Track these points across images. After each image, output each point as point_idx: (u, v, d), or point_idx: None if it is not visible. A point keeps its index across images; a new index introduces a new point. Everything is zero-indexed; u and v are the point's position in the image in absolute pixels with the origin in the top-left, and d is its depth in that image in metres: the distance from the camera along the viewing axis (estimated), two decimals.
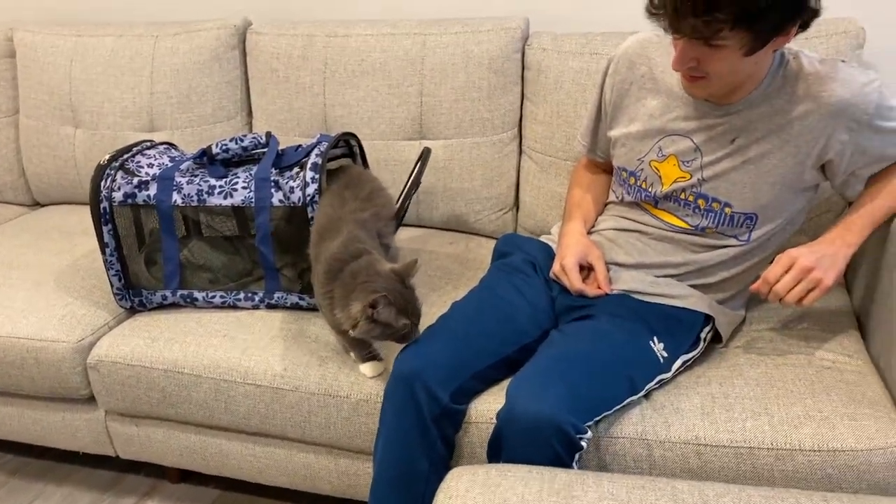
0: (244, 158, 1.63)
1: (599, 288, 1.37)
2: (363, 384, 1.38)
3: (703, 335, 1.36)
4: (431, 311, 1.49)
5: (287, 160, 1.56)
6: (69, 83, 2.06)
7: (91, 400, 1.60)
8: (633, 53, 1.40)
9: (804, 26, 1.19)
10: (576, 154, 1.69)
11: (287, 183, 1.49)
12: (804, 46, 1.34)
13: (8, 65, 2.15)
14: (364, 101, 1.85)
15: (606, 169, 1.55)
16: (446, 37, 1.79)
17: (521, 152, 1.83)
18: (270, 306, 1.58)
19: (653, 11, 1.15)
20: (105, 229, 1.52)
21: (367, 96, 1.85)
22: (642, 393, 1.26)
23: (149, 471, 1.82)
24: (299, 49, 1.89)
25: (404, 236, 1.87)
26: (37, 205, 2.27)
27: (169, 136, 1.99)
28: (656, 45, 1.38)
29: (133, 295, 1.59)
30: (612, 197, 1.49)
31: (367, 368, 1.38)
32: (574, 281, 1.36)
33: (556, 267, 1.40)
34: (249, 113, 2.03)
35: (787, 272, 1.24)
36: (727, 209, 1.32)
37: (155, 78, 1.99)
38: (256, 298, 1.57)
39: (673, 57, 1.20)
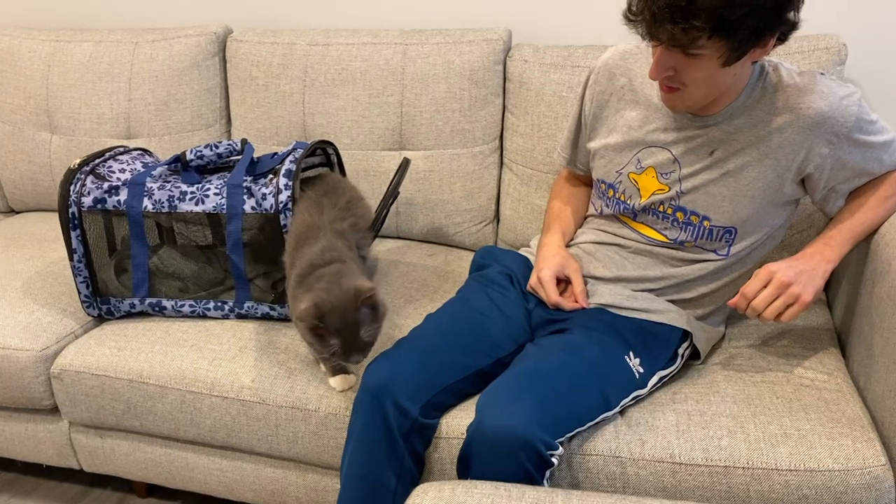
0: (219, 166, 1.60)
1: (576, 302, 1.34)
2: (332, 398, 1.34)
3: (680, 351, 1.34)
4: (407, 324, 1.47)
5: (262, 167, 1.53)
6: (46, 88, 2.03)
7: (55, 411, 1.56)
8: (614, 65, 1.38)
9: (782, 39, 1.17)
10: (556, 167, 1.68)
11: (260, 190, 1.46)
12: (786, 61, 1.32)
13: None
14: (344, 110, 1.83)
15: (587, 182, 1.53)
16: (427, 47, 1.77)
17: (501, 164, 1.81)
18: (241, 316, 1.54)
19: (630, 18, 1.13)
20: (73, 234, 1.49)
21: (346, 105, 1.83)
22: (617, 409, 1.22)
23: (116, 485, 1.77)
24: (280, 57, 1.87)
25: (383, 248, 1.84)
26: (11, 212, 2.23)
27: (146, 143, 1.97)
28: (637, 57, 1.36)
29: (101, 303, 1.55)
30: (591, 210, 1.47)
31: (336, 381, 1.35)
32: (550, 294, 1.33)
33: (532, 280, 1.38)
34: (228, 121, 2.00)
35: (765, 287, 1.21)
36: (706, 223, 1.29)
37: (133, 84, 1.97)
38: (226, 308, 1.53)
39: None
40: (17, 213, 2.22)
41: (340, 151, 1.69)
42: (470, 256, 1.65)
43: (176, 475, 1.53)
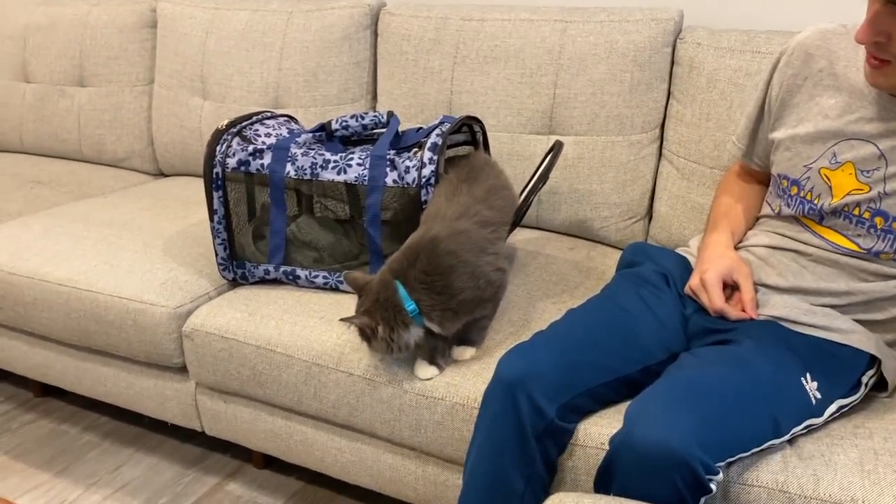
0: (363, 138, 1.55)
1: (744, 311, 1.18)
2: (460, 387, 1.25)
3: (864, 379, 1.15)
4: (543, 318, 1.36)
5: (406, 141, 1.47)
6: (202, 55, 2.06)
7: (183, 370, 1.56)
8: (812, 45, 1.20)
9: None
10: (725, 162, 1.51)
11: (403, 163, 1.39)
12: None
13: (149, 34, 2.20)
14: (493, 89, 1.74)
15: (761, 180, 1.36)
16: (589, 25, 1.65)
17: (660, 156, 1.66)
18: None
19: None
20: (216, 195, 1.48)
21: (496, 84, 1.73)
22: (787, 437, 1.06)
23: (235, 452, 1.77)
24: (431, 32, 1.81)
25: (521, 238, 1.73)
26: (161, 175, 2.30)
27: (292, 114, 1.95)
28: (840, 37, 1.18)
29: (236, 267, 1.54)
30: (766, 210, 1.29)
31: (418, 366, 1.28)
32: (715, 298, 1.18)
33: (693, 281, 1.23)
34: (374, 97, 1.96)
35: None
36: None
37: (284, 54, 1.96)
38: None
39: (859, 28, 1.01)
40: (167, 176, 2.28)
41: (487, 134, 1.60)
42: (616, 254, 1.52)
43: (294, 449, 1.49)
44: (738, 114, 1.49)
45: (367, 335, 1.21)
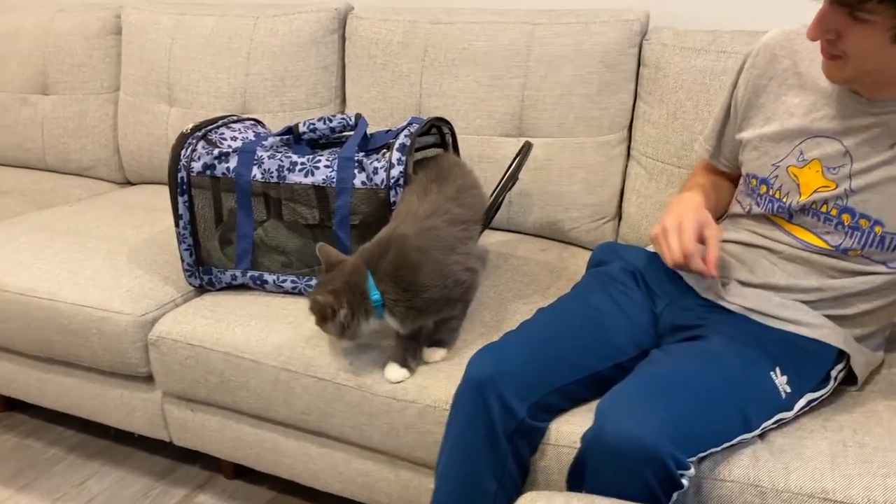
0: (331, 140, 1.54)
1: (707, 266, 1.09)
2: (431, 388, 1.24)
3: (833, 373, 1.16)
4: (515, 318, 1.35)
5: (374, 143, 1.45)
6: (168, 61, 2.04)
7: (149, 379, 1.52)
8: (776, 45, 1.21)
9: None
10: (692, 162, 1.52)
11: (371, 164, 1.38)
12: None
13: (114, 41, 2.16)
14: (462, 92, 1.73)
15: (728, 177, 1.36)
16: (557, 27, 1.65)
17: (629, 157, 1.66)
18: None
19: None
20: (181, 200, 1.45)
21: (465, 87, 1.73)
22: (757, 431, 1.06)
23: (205, 463, 1.74)
24: (400, 35, 1.80)
25: (493, 240, 1.73)
26: (128, 183, 2.26)
27: (260, 118, 1.93)
28: (803, 38, 1.18)
29: (203, 272, 1.51)
30: (736, 208, 1.29)
31: (389, 369, 1.27)
32: (674, 242, 1.08)
33: (655, 228, 1.14)
34: (343, 100, 1.95)
35: None
36: (877, 228, 1.11)
37: (252, 59, 1.95)
38: None
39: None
40: (133, 184, 2.24)
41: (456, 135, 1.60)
42: (586, 255, 1.52)
43: (264, 457, 1.46)
44: (704, 113, 1.50)
45: (325, 314, 1.18)
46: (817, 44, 1.06)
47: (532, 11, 1.71)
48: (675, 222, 1.11)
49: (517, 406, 1.08)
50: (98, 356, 1.52)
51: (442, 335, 1.30)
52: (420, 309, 1.21)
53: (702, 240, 1.12)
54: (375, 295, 1.18)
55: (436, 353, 1.29)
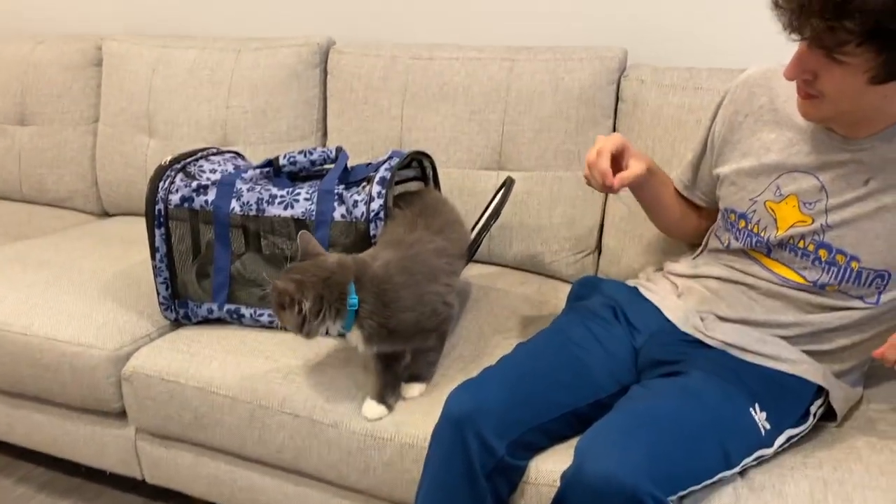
0: (312, 173, 1.53)
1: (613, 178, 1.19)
2: (409, 426, 1.22)
3: (813, 409, 1.15)
4: (494, 353, 1.34)
5: (355, 175, 1.45)
6: (149, 92, 2.03)
7: (122, 415, 1.49)
8: (754, 83, 1.23)
9: None
10: None
11: (352, 197, 1.37)
12: None
13: (94, 73, 2.16)
14: (442, 126, 1.74)
15: (698, 210, 1.37)
16: (535, 63, 1.67)
17: None
18: None
19: (779, 3, 0.99)
20: (157, 232, 1.44)
21: (445, 121, 1.74)
22: (737, 469, 1.05)
23: (178, 501, 1.69)
24: (381, 70, 1.81)
25: (474, 273, 1.72)
26: (105, 214, 2.23)
27: (241, 151, 1.93)
28: (780, 76, 1.20)
29: (179, 306, 1.49)
30: (715, 244, 1.29)
31: (366, 406, 1.24)
32: (600, 158, 1.19)
33: (590, 153, 1.21)
34: (324, 133, 1.95)
35: None
36: (854, 264, 1.11)
37: (233, 91, 1.95)
38: None
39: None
40: (111, 216, 2.22)
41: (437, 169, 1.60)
42: (566, 288, 1.51)
43: (238, 495, 1.43)
44: (681, 148, 1.52)
45: (291, 301, 1.12)
46: (794, 82, 1.08)
47: (511, 48, 1.72)
48: (593, 149, 1.21)
49: (496, 444, 1.07)
50: (70, 391, 1.49)
51: (420, 369, 1.29)
52: (391, 330, 1.18)
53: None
54: (354, 299, 1.15)
55: (414, 389, 1.27)
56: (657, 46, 1.70)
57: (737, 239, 1.23)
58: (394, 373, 1.26)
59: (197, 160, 1.51)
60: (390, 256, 1.22)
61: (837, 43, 0.95)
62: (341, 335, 1.20)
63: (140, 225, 1.98)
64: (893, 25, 0.92)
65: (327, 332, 1.17)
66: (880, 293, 1.12)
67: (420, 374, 1.29)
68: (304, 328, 1.14)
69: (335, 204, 1.38)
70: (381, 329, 1.18)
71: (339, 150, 1.50)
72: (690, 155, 1.35)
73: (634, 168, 1.22)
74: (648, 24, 1.69)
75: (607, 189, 1.20)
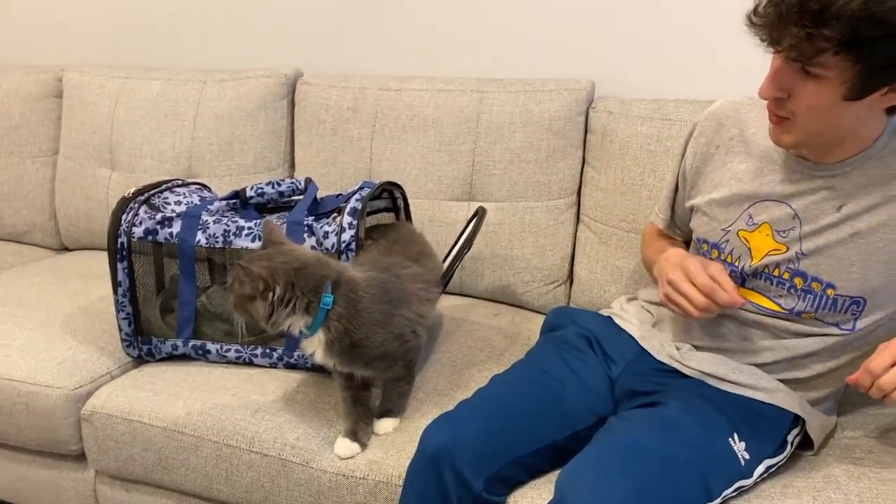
0: (280, 205, 1.51)
1: (731, 295, 1.09)
2: (383, 463, 1.18)
3: (790, 438, 1.15)
4: (469, 385, 1.32)
5: (324, 207, 1.43)
6: (111, 124, 1.99)
7: (81, 458, 1.43)
8: (723, 115, 1.24)
9: None
10: (640, 227, 1.53)
11: (322, 228, 1.35)
12: None
13: (54, 104, 2.11)
14: (413, 157, 1.73)
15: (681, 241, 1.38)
16: (505, 95, 1.68)
17: (578, 221, 1.67)
18: (290, 366, 1.41)
19: (755, 20, 1.00)
20: (120, 266, 1.40)
21: (416, 153, 1.73)
22: (718, 500, 1.04)
23: None
24: (350, 101, 1.80)
25: (446, 304, 1.70)
26: (64, 249, 2.17)
27: (207, 183, 1.89)
28: (749, 107, 1.22)
29: (142, 342, 1.44)
30: None
31: (339, 444, 1.21)
32: (692, 290, 1.09)
33: (662, 289, 1.15)
34: (292, 165, 1.93)
35: (894, 364, 1.03)
36: (829, 291, 1.12)
37: (198, 123, 1.92)
38: (275, 356, 1.41)
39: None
40: (70, 250, 2.16)
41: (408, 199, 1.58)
42: (540, 319, 1.50)
43: None
44: (650, 178, 1.53)
45: (260, 288, 1.08)
46: (764, 112, 1.09)
47: (481, 80, 1.73)
48: (679, 273, 1.12)
49: (473, 479, 1.04)
50: (26, 434, 1.42)
51: (391, 403, 1.26)
52: (355, 343, 1.14)
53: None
54: (328, 298, 1.12)
55: (387, 424, 1.24)
56: (625, 78, 1.72)
57: None
58: (365, 408, 1.23)
59: (162, 192, 1.47)
60: (368, 272, 1.20)
61: (815, 51, 0.95)
62: (304, 335, 1.15)
63: (101, 259, 1.93)
64: (870, 33, 0.92)
65: (289, 329, 1.13)
66: (856, 319, 1.13)
67: (391, 407, 1.26)
68: (269, 319, 1.09)
69: (305, 235, 1.36)
70: (346, 337, 1.14)
71: (308, 181, 1.48)
72: (666, 191, 1.35)
73: (720, 273, 1.11)
74: (616, 57, 1.71)
75: (730, 306, 1.11)
